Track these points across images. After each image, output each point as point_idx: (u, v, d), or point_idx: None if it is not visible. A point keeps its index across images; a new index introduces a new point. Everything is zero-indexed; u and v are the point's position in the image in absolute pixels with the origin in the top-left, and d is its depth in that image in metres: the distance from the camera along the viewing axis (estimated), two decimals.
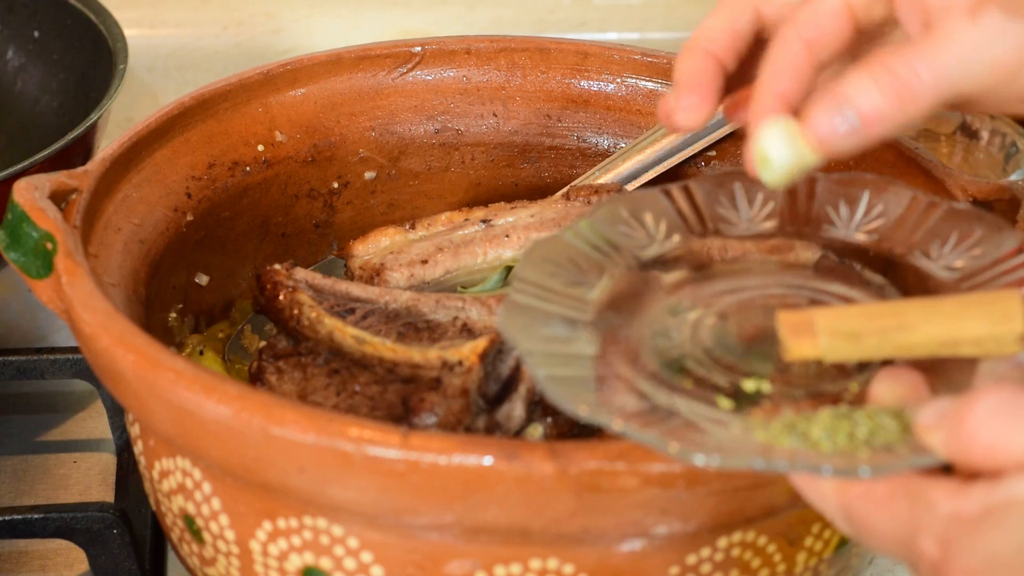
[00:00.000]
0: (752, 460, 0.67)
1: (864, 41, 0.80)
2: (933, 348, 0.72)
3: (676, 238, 0.81)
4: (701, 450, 0.67)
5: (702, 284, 0.79)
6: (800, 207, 0.82)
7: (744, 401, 0.72)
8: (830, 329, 0.73)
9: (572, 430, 0.86)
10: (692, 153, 1.02)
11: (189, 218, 0.95)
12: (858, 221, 0.81)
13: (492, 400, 0.83)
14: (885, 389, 0.70)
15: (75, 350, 1.04)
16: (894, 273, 0.79)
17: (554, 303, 0.75)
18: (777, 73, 0.77)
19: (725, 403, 0.72)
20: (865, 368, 0.74)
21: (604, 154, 1.05)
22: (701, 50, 0.80)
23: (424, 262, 0.94)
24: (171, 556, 0.97)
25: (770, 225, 0.82)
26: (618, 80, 1.05)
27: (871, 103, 0.74)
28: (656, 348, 0.75)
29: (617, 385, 0.72)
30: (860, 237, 0.81)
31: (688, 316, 0.77)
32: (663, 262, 0.80)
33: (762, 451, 0.68)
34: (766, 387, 0.73)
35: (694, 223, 0.81)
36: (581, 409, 0.69)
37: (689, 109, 0.80)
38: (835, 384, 0.74)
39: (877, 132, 0.74)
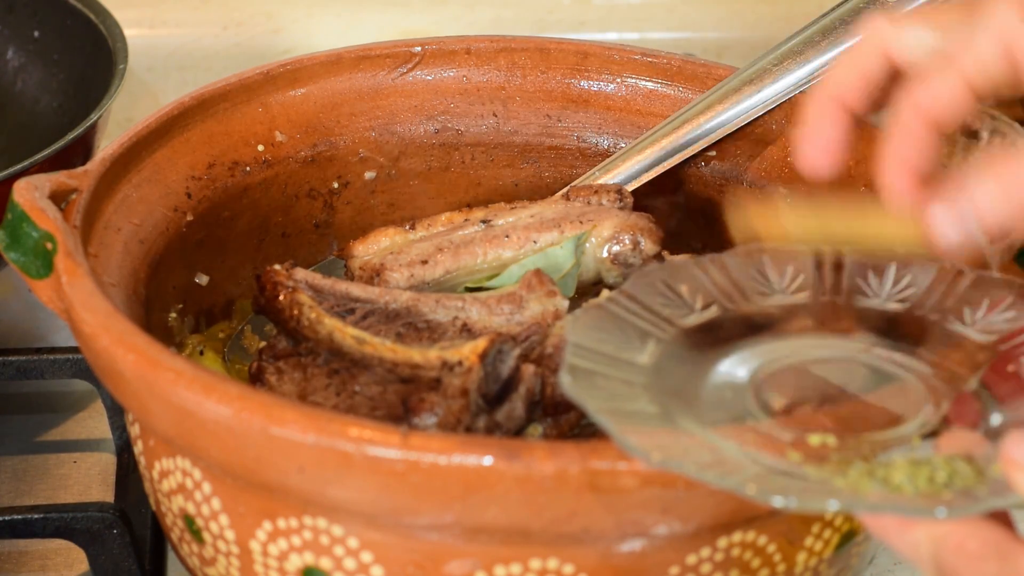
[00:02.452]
0: (835, 502, 0.68)
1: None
2: (889, 237, 0.76)
3: (714, 309, 0.82)
4: (781, 492, 0.68)
5: (751, 346, 0.80)
6: (829, 278, 0.83)
7: (811, 455, 0.72)
8: (792, 209, 0.77)
9: (572, 430, 0.86)
10: (692, 153, 1.02)
11: (189, 218, 0.95)
12: (888, 291, 0.82)
13: (492, 400, 0.83)
14: (952, 441, 0.72)
15: (75, 350, 1.04)
16: (929, 339, 0.80)
17: (611, 367, 0.77)
18: (901, 155, 0.76)
19: (794, 456, 0.72)
20: (924, 423, 0.75)
21: (604, 154, 1.05)
22: (827, 97, 0.79)
23: (424, 262, 0.94)
24: (171, 556, 0.97)
25: (803, 296, 0.83)
26: (618, 80, 1.05)
27: (995, 217, 0.73)
28: (715, 407, 0.76)
29: (687, 440, 0.72)
30: (893, 306, 0.82)
31: (741, 377, 0.78)
32: (707, 328, 0.81)
33: (846, 495, 0.69)
34: (831, 441, 0.73)
35: (731, 294, 0.82)
36: (654, 456, 0.70)
37: (811, 158, 0.80)
38: (897, 434, 0.74)
39: (997, 234, 0.74)
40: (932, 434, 0.73)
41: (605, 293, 0.90)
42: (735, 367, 0.79)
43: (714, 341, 0.80)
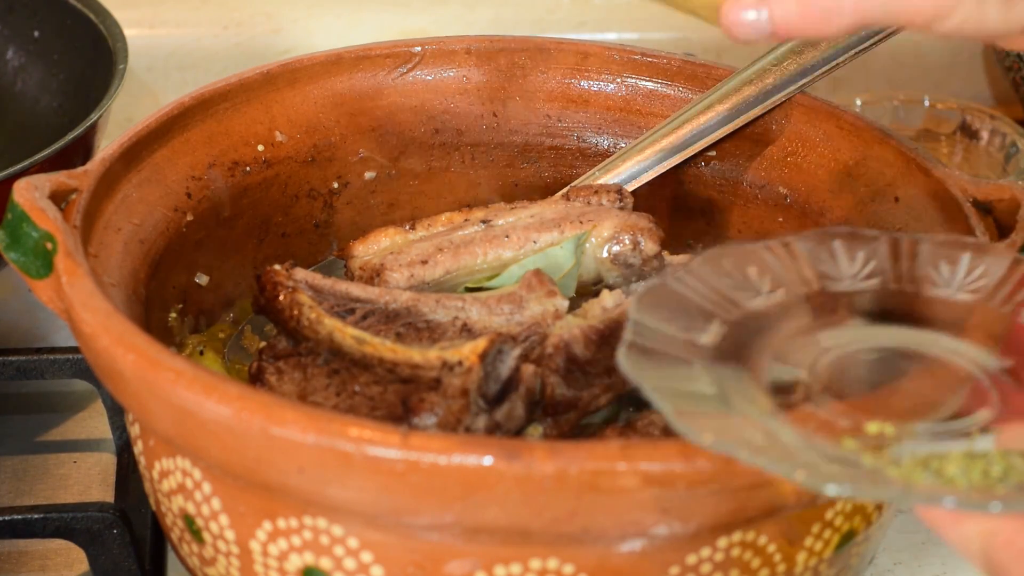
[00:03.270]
0: (887, 490, 0.68)
1: None
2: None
3: (781, 292, 0.81)
4: (833, 479, 0.68)
5: (814, 332, 0.80)
6: (903, 266, 0.83)
7: (868, 443, 0.72)
8: None
9: (572, 430, 0.86)
10: (692, 153, 1.02)
11: (189, 218, 0.95)
12: (960, 280, 0.82)
13: (492, 400, 0.83)
14: (1010, 436, 0.72)
15: (75, 350, 1.04)
16: (999, 333, 0.80)
17: (671, 346, 0.76)
18: None
19: (850, 443, 0.72)
20: (983, 416, 0.75)
21: (604, 154, 1.05)
22: None
23: (424, 262, 0.94)
24: (171, 556, 0.97)
25: (873, 283, 0.82)
26: (618, 80, 1.05)
27: (784, 15, 0.76)
28: (775, 391, 0.76)
29: (742, 423, 0.72)
30: (963, 296, 0.82)
31: (802, 362, 0.78)
32: (772, 312, 0.81)
33: (898, 485, 0.69)
34: (889, 429, 0.73)
35: (798, 278, 0.82)
36: (705, 438, 0.70)
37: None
38: (956, 426, 0.74)
39: (784, 39, 0.78)
40: (989, 428, 0.73)
41: (605, 293, 0.90)
42: (797, 351, 0.79)
43: (778, 325, 0.80)
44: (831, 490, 0.68)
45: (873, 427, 0.73)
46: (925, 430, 0.73)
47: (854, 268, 0.83)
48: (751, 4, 0.77)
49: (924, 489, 0.69)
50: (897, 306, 0.82)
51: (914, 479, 0.69)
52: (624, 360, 0.74)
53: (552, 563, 0.77)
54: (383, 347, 0.85)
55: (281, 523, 0.79)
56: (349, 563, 0.78)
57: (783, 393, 0.76)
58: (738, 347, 0.78)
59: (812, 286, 0.82)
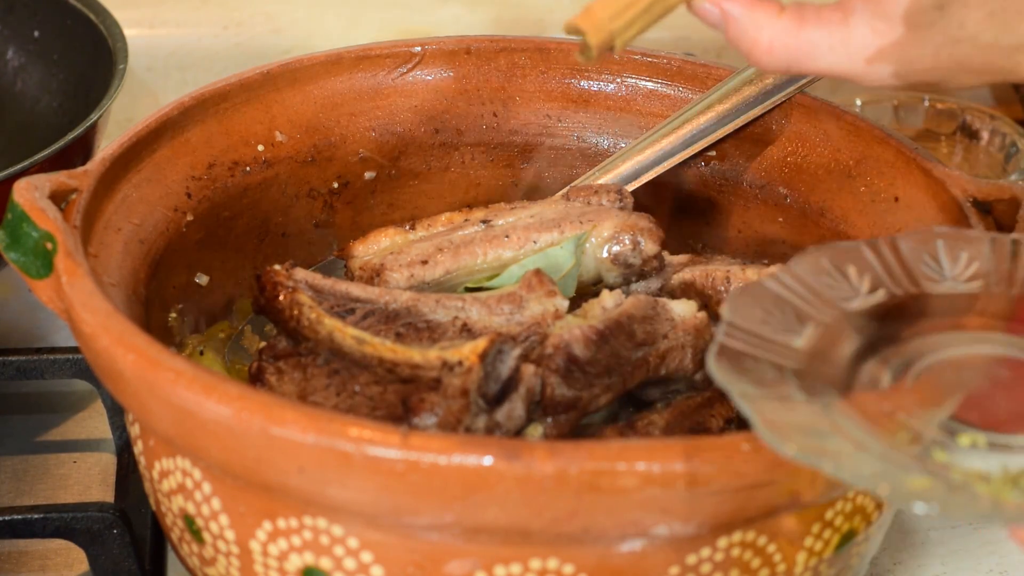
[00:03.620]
0: (976, 508, 0.67)
1: None
2: None
3: (881, 293, 0.80)
4: (920, 497, 0.67)
5: (911, 340, 0.79)
6: (1004, 267, 0.81)
7: (960, 455, 0.71)
8: (613, 17, 0.79)
9: (572, 430, 0.86)
10: (692, 153, 1.02)
11: (189, 218, 0.95)
12: None
13: (492, 400, 0.83)
14: None
15: (75, 350, 1.04)
16: None
17: (763, 349, 0.76)
18: None
19: (940, 455, 0.71)
20: None
21: (604, 154, 1.05)
22: None
23: (424, 262, 0.94)
24: (171, 556, 0.97)
25: (975, 285, 0.81)
26: (618, 80, 1.05)
27: (735, 43, 0.83)
28: (866, 398, 0.75)
29: (828, 431, 0.71)
30: None
31: (897, 367, 0.77)
32: (869, 315, 0.80)
33: (987, 503, 0.67)
34: (981, 441, 0.72)
35: (900, 278, 0.81)
36: (789, 447, 0.69)
37: None
38: None
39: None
40: None
41: (605, 293, 0.90)
42: (893, 357, 0.77)
43: (877, 328, 0.79)
44: (919, 508, 0.67)
45: (965, 439, 0.72)
46: (1017, 442, 0.72)
47: (956, 269, 0.82)
48: (714, 12, 0.84)
49: (1014, 507, 0.67)
50: (998, 310, 0.80)
51: (1003, 497, 0.68)
52: (712, 364, 0.73)
53: (552, 563, 0.77)
54: (383, 347, 0.85)
55: (281, 523, 0.79)
56: (349, 563, 0.78)
57: (873, 402, 0.74)
58: (833, 350, 0.77)
59: (913, 287, 0.81)
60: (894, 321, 0.79)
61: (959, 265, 0.82)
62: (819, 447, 0.70)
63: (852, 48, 0.81)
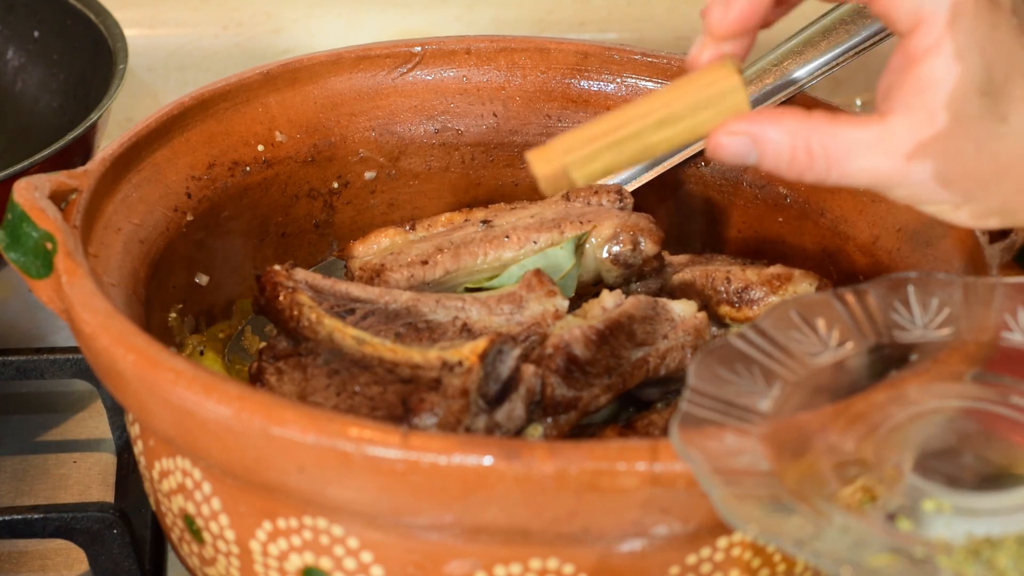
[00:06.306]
0: None
1: None
2: (672, 135, 0.78)
3: (849, 345, 0.80)
4: (883, 574, 0.67)
5: (878, 394, 0.77)
6: (977, 313, 0.80)
7: (923, 522, 0.71)
8: (569, 150, 0.79)
9: (572, 430, 0.86)
10: (692, 153, 1.02)
11: (189, 218, 0.95)
12: None
13: (492, 400, 0.83)
14: None
15: (75, 350, 1.04)
16: None
17: (727, 415, 0.75)
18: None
19: (904, 524, 0.71)
20: None
21: None
22: None
23: (424, 263, 0.94)
24: (171, 556, 0.97)
25: (946, 332, 0.80)
26: (618, 80, 1.05)
27: (774, 163, 0.79)
28: (832, 463, 0.74)
29: (789, 503, 0.71)
30: None
31: (862, 433, 0.76)
32: (838, 370, 0.79)
33: None
34: (946, 507, 0.71)
35: (868, 330, 0.80)
36: (750, 529, 0.69)
37: (717, 15, 0.82)
38: (1016, 502, 0.72)
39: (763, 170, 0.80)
40: None
41: (605, 293, 0.90)
42: (859, 420, 0.76)
43: (843, 384, 0.78)
44: None
45: (929, 505, 0.71)
46: (983, 507, 0.71)
47: (927, 317, 0.80)
48: (742, 141, 0.79)
49: None
50: (971, 355, 0.79)
51: (964, 571, 0.67)
52: (674, 435, 0.72)
53: (552, 563, 0.77)
54: (383, 347, 0.85)
55: (281, 523, 0.79)
56: (349, 563, 0.78)
57: (842, 466, 0.73)
58: (798, 411, 0.76)
59: (883, 337, 0.80)
60: (863, 374, 0.79)
61: (930, 312, 0.81)
62: (779, 527, 0.69)
63: (892, 144, 0.77)
